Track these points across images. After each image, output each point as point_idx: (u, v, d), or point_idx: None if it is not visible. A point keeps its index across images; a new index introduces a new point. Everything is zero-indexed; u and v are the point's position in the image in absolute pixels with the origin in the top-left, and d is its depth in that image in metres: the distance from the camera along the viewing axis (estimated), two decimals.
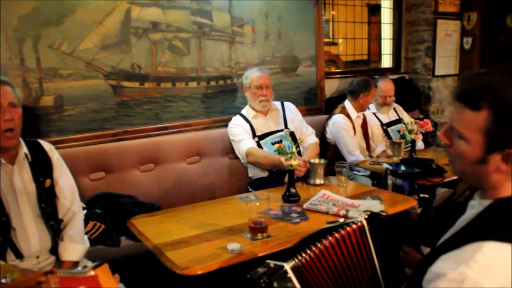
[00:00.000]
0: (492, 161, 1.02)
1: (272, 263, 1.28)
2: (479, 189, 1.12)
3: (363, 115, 3.85)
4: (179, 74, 3.30)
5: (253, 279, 1.24)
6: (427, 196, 3.38)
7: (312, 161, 2.78)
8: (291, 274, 1.26)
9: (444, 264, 0.97)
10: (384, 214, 1.48)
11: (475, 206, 1.12)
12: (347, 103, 3.78)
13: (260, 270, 1.26)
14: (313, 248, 1.31)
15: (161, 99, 3.25)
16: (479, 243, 0.94)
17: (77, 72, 2.89)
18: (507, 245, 0.92)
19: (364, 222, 1.37)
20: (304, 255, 1.31)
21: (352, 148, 3.59)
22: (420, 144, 3.89)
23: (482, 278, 0.89)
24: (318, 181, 2.73)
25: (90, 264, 1.97)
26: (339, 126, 3.63)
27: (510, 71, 0.99)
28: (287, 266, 1.27)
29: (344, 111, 3.72)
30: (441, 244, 1.10)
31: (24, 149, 1.99)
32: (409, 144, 3.47)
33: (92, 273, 1.32)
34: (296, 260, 1.29)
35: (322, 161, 2.81)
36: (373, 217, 1.39)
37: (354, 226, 1.36)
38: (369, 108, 3.92)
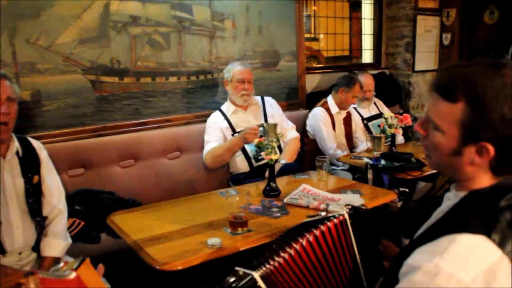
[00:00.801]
0: (467, 153, 1.02)
1: (241, 271, 1.27)
2: (455, 180, 1.13)
3: (348, 112, 3.86)
4: (159, 69, 3.28)
5: None
6: (407, 190, 3.42)
7: (264, 124, 2.86)
8: (260, 283, 1.24)
9: (419, 256, 0.97)
10: (364, 208, 1.50)
11: (451, 198, 1.13)
12: (330, 98, 3.78)
13: (229, 278, 1.24)
14: (288, 250, 1.30)
15: (141, 94, 3.22)
16: (453, 235, 0.95)
17: (55, 67, 2.84)
18: (480, 237, 0.93)
19: (346, 216, 1.38)
20: (276, 258, 1.29)
21: (329, 141, 3.59)
22: (400, 139, 3.93)
23: (456, 270, 0.90)
24: (272, 139, 2.75)
25: (70, 259, 1.97)
26: (317, 118, 3.64)
27: (488, 65, 1.00)
28: (256, 275, 1.25)
29: (325, 105, 3.73)
30: (417, 237, 1.11)
31: (16, 144, 2.00)
32: (389, 139, 3.50)
33: (74, 275, 1.30)
34: (266, 266, 1.28)
35: (273, 121, 3.00)
36: (354, 211, 1.40)
37: (335, 220, 1.36)
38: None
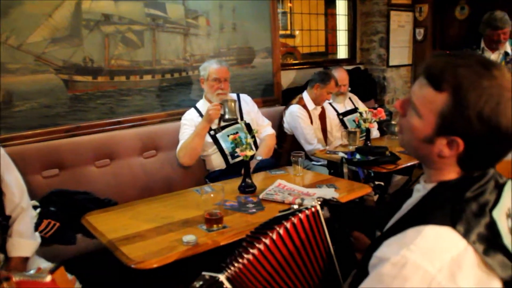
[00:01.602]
0: (438, 143, 1.03)
1: (207, 275, 1.26)
2: (423, 168, 1.14)
3: (322, 107, 3.89)
4: (133, 67, 3.25)
5: None
6: (382, 183, 3.47)
7: (224, 101, 3.00)
8: (227, 285, 1.24)
9: (387, 248, 0.98)
10: (335, 200, 1.51)
11: (420, 190, 1.14)
12: (305, 94, 3.80)
13: (196, 284, 1.23)
14: (258, 245, 1.29)
15: (115, 93, 3.19)
16: (420, 227, 0.95)
17: (26, 67, 2.79)
18: (446, 228, 0.94)
19: (318, 208, 1.37)
20: (244, 257, 1.28)
21: (310, 137, 3.63)
22: (375, 133, 3.98)
23: (422, 261, 0.91)
24: (232, 116, 2.96)
25: (46, 264, 1.94)
26: (295, 115, 3.66)
27: (480, 63, 1.00)
28: (222, 277, 1.25)
29: (301, 102, 3.75)
30: (387, 229, 1.11)
31: None
32: (364, 133, 3.54)
33: (50, 278, 1.30)
34: (233, 268, 1.27)
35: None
36: (324, 203, 1.41)
37: (307, 211, 1.36)
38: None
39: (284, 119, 3.79)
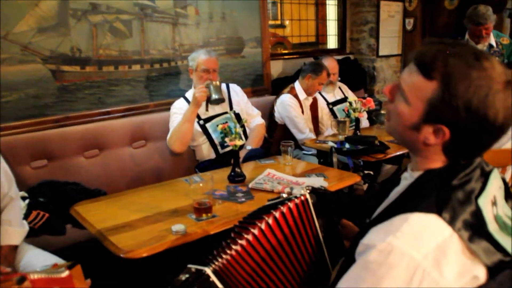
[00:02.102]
0: (424, 131, 1.04)
1: (193, 268, 1.25)
2: (410, 156, 1.15)
3: (314, 98, 3.89)
4: (122, 57, 3.23)
5: (175, 287, 1.21)
6: (371, 172, 3.49)
7: (210, 83, 3.04)
8: (213, 278, 1.23)
9: (373, 236, 0.99)
10: (323, 188, 1.51)
11: (407, 178, 1.15)
12: (297, 84, 3.80)
13: (182, 277, 1.23)
14: (246, 236, 1.28)
15: (104, 83, 3.17)
16: (407, 214, 0.96)
17: (12, 57, 2.76)
18: (432, 215, 0.95)
19: (308, 196, 1.38)
20: (231, 248, 1.27)
21: (301, 126, 3.63)
22: (365, 123, 3.99)
23: (408, 248, 0.92)
24: (219, 96, 3.01)
25: (46, 255, 1.94)
26: (286, 105, 3.66)
27: (472, 53, 1.00)
28: (208, 270, 1.24)
29: (292, 91, 3.75)
30: (374, 217, 1.12)
31: None
32: (354, 123, 3.55)
33: (67, 273, 1.30)
34: (219, 260, 1.27)
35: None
36: (313, 192, 1.41)
37: (297, 200, 1.36)
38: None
39: (275, 108, 3.78)
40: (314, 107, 3.89)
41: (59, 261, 1.85)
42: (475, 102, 0.96)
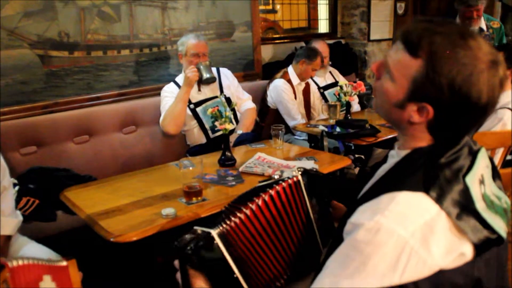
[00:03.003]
0: (409, 109, 1.04)
1: (199, 229, 1.27)
2: (397, 134, 1.15)
3: (307, 83, 3.88)
4: (111, 42, 3.19)
5: (179, 246, 1.23)
6: (362, 156, 3.50)
7: (200, 64, 3.07)
8: (218, 241, 1.24)
9: (361, 215, 0.99)
10: (315, 170, 1.52)
11: (394, 155, 1.15)
12: (290, 69, 3.78)
13: (187, 237, 1.24)
14: (244, 210, 1.30)
15: (93, 68, 3.13)
16: (394, 193, 0.96)
17: None
18: (419, 194, 0.96)
19: (300, 177, 1.39)
20: (233, 218, 1.29)
21: (294, 112, 3.63)
22: (356, 107, 4.00)
23: (396, 226, 0.92)
24: (210, 75, 3.06)
25: (31, 243, 1.93)
26: (280, 90, 3.65)
27: (458, 32, 0.99)
28: (214, 233, 1.25)
29: (285, 76, 3.73)
30: (361, 195, 1.12)
31: None
32: (345, 107, 3.55)
33: (65, 263, 1.30)
34: (224, 226, 1.28)
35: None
36: (304, 173, 1.42)
37: (290, 181, 1.37)
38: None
39: (268, 93, 3.77)
40: (306, 92, 3.88)
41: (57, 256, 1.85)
42: (459, 81, 0.96)
